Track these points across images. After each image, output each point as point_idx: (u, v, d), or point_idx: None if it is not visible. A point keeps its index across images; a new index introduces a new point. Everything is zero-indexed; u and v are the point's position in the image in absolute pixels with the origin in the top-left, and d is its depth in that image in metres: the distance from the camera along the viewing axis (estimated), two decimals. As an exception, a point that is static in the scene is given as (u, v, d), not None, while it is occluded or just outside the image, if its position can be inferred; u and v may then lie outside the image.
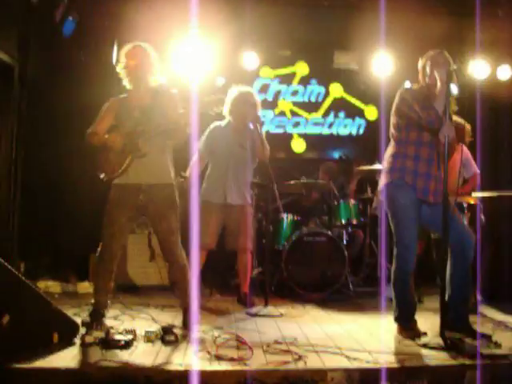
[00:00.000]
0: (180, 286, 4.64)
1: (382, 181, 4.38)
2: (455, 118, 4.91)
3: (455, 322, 4.05)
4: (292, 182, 6.80)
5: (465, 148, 5.95)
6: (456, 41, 6.68)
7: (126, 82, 4.58)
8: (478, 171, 6.08)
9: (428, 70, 4.24)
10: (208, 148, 5.69)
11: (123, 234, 4.51)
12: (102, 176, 4.47)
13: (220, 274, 6.41)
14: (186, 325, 4.43)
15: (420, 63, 4.34)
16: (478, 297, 5.83)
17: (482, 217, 5.88)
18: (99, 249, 4.48)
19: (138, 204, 4.46)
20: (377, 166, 6.35)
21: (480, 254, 5.48)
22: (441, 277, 4.06)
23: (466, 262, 4.14)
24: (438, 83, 4.08)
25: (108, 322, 4.46)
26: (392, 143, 4.40)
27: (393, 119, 4.36)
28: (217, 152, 5.69)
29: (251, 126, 5.78)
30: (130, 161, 4.44)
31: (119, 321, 4.59)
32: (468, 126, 5.70)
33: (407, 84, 7.15)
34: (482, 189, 6.12)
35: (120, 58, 4.57)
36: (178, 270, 4.60)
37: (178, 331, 4.08)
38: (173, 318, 4.77)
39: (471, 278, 4.22)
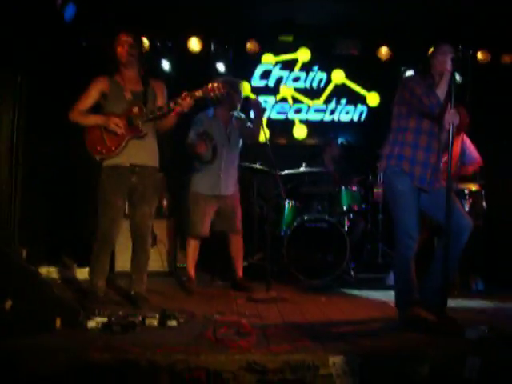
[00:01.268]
0: (140, 270, 4.71)
1: (381, 167, 4.41)
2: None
3: (434, 305, 4.04)
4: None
5: (465, 136, 5.97)
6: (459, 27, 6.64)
7: (119, 65, 4.65)
8: (480, 158, 6.07)
9: (433, 58, 4.23)
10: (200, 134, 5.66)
11: (120, 216, 4.58)
12: (97, 157, 4.49)
13: (220, 260, 6.41)
14: (138, 309, 4.42)
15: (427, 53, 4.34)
16: (480, 285, 5.88)
17: (484, 204, 5.88)
18: (98, 234, 4.51)
19: (129, 185, 4.53)
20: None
21: (481, 240, 5.52)
22: (444, 262, 4.04)
23: (458, 246, 4.10)
24: (443, 71, 4.07)
25: (109, 307, 4.46)
26: (392, 131, 4.39)
27: (395, 108, 4.36)
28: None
29: (237, 114, 5.83)
30: (128, 141, 4.47)
31: (120, 306, 4.60)
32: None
33: (412, 72, 7.14)
34: (485, 176, 6.12)
35: (118, 42, 4.59)
36: (144, 255, 4.71)
37: (179, 316, 4.09)
38: (174, 304, 4.79)
39: (458, 263, 4.23)
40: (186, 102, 4.48)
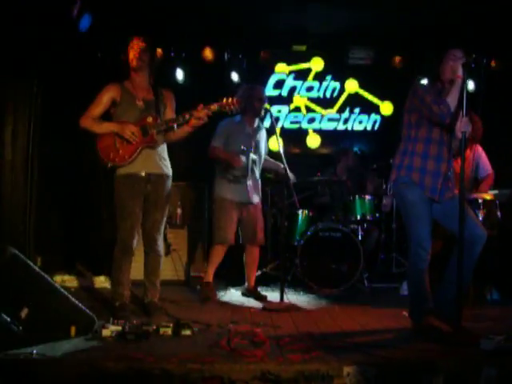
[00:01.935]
0: (152, 277, 4.73)
1: (391, 178, 4.36)
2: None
3: (448, 316, 4.01)
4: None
5: (479, 147, 5.95)
6: (474, 35, 6.63)
7: (130, 71, 4.68)
8: (492, 171, 6.05)
9: (445, 65, 4.20)
10: (225, 144, 5.69)
11: (139, 224, 4.59)
12: (109, 164, 4.51)
13: (235, 269, 6.42)
14: (152, 318, 4.43)
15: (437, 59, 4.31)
16: (494, 295, 5.83)
17: (499, 213, 5.84)
18: (120, 243, 4.52)
19: (144, 193, 4.55)
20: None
21: (495, 250, 5.48)
22: (458, 271, 4.01)
23: (472, 256, 4.05)
24: (454, 77, 4.05)
25: (139, 316, 4.53)
26: (402, 140, 4.36)
27: (405, 116, 4.32)
28: (236, 149, 5.67)
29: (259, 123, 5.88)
30: (141, 150, 4.50)
31: (135, 315, 4.60)
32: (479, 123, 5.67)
33: (423, 80, 7.13)
34: (499, 185, 6.09)
35: (131, 46, 4.62)
36: (155, 261, 4.72)
37: (193, 325, 4.09)
38: (188, 313, 4.79)
39: (472, 273, 4.16)
40: (201, 114, 4.51)
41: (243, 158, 5.59)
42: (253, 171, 5.77)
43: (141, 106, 4.61)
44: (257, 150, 5.80)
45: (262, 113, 5.82)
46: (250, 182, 5.71)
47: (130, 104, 4.60)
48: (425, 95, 4.12)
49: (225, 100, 4.56)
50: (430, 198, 4.18)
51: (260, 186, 5.91)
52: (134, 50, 4.61)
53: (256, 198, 5.79)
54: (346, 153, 7.55)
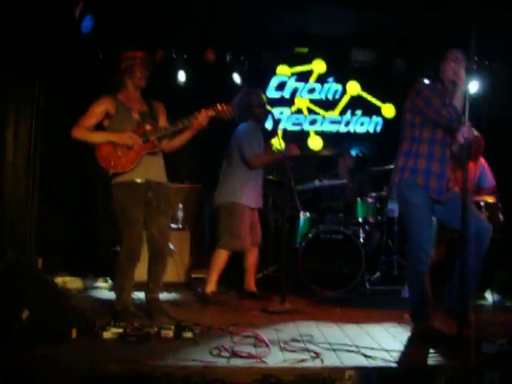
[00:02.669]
0: (156, 282, 4.70)
1: (394, 179, 4.31)
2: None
3: (457, 314, 3.98)
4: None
5: (482, 159, 5.95)
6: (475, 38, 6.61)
7: (128, 84, 4.65)
8: (495, 184, 6.05)
9: (446, 65, 4.17)
10: (259, 152, 5.67)
11: (143, 230, 4.57)
12: (111, 172, 4.50)
13: (236, 271, 6.40)
14: (153, 321, 4.42)
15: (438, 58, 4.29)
16: (495, 296, 5.81)
17: (501, 216, 5.84)
18: (125, 251, 4.50)
19: (146, 201, 4.54)
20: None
21: (498, 253, 5.46)
22: (460, 272, 3.99)
23: (480, 251, 4.04)
24: (456, 80, 4.04)
25: (142, 320, 4.50)
26: (404, 140, 4.31)
27: (407, 116, 4.27)
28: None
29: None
30: (142, 157, 4.49)
31: (136, 317, 4.59)
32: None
33: (425, 80, 7.11)
34: (501, 188, 6.09)
35: (136, 61, 4.59)
36: (161, 266, 4.71)
37: (194, 328, 4.09)
38: (190, 315, 4.79)
39: (480, 273, 4.15)
40: (199, 120, 4.51)
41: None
42: (263, 178, 5.84)
43: (137, 119, 4.58)
44: None
45: (264, 117, 5.80)
46: (261, 189, 5.78)
47: (126, 117, 4.55)
48: (432, 97, 4.08)
49: (219, 106, 4.56)
50: (434, 199, 4.15)
51: None
52: (142, 67, 4.59)
53: (261, 203, 5.86)
54: (342, 154, 7.55)
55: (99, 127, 4.61)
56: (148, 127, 4.52)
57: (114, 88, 4.69)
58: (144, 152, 4.51)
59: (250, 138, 5.63)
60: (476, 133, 5.15)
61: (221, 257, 5.56)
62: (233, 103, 4.87)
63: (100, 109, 4.57)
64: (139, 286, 4.91)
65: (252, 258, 5.80)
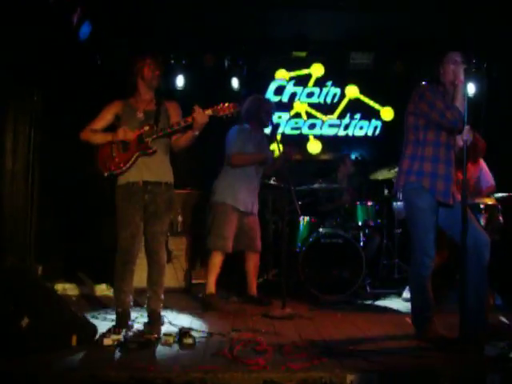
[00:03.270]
0: (155, 288, 4.65)
1: (399, 183, 4.30)
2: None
3: (473, 325, 3.97)
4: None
5: (482, 161, 5.95)
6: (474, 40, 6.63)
7: (140, 86, 4.67)
8: (493, 183, 6.04)
9: (445, 68, 4.16)
10: (243, 151, 5.70)
11: (140, 232, 4.55)
12: (105, 174, 4.50)
13: (236, 276, 6.39)
14: (154, 327, 4.40)
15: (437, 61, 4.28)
16: (497, 300, 5.80)
17: (501, 218, 5.83)
18: (120, 252, 4.49)
19: (143, 202, 4.53)
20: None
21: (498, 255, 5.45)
22: (460, 280, 3.99)
23: (481, 264, 4.01)
24: (456, 82, 4.04)
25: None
26: (408, 143, 4.29)
27: (410, 119, 4.26)
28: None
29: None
30: (137, 158, 4.49)
31: (137, 323, 4.59)
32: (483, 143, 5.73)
33: (424, 82, 7.12)
34: (501, 190, 6.08)
35: (147, 65, 4.61)
36: (158, 271, 4.65)
37: (195, 334, 4.08)
38: (190, 321, 4.78)
39: (487, 280, 4.12)
40: (195, 118, 4.49)
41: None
42: (258, 181, 5.83)
43: (140, 118, 4.59)
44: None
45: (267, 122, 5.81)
46: (254, 192, 5.75)
47: (130, 116, 4.59)
48: (435, 100, 4.07)
49: (221, 105, 4.54)
50: (441, 202, 4.13)
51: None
52: (153, 68, 4.62)
53: (255, 208, 5.82)
54: (343, 160, 7.56)
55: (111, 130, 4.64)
56: (146, 128, 4.52)
57: (129, 92, 4.72)
58: (138, 153, 4.51)
59: (237, 137, 5.68)
60: (476, 135, 5.16)
61: (214, 258, 5.59)
62: (241, 108, 4.91)
63: (109, 112, 4.63)
64: (141, 292, 4.91)
65: (250, 263, 5.80)
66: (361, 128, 8.41)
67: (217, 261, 5.58)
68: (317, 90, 8.40)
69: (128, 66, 4.71)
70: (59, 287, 5.98)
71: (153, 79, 4.64)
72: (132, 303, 4.56)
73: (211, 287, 5.59)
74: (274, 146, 7.01)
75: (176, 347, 3.88)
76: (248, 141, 5.70)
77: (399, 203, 6.93)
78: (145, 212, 4.57)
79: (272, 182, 6.38)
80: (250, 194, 5.71)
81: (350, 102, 8.41)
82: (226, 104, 4.55)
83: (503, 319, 4.53)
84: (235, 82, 7.90)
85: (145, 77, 4.62)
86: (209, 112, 4.52)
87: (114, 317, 4.52)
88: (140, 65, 4.62)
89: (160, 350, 3.80)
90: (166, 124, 4.60)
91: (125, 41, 6.89)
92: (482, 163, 6.05)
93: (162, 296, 4.66)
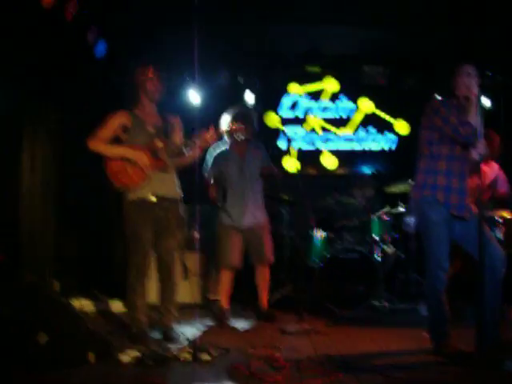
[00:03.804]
0: (167, 304, 4.68)
1: (413, 197, 4.32)
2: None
3: (488, 340, 3.93)
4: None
5: (495, 165, 5.91)
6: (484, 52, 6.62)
7: (142, 98, 4.71)
8: (508, 190, 6.01)
9: (459, 81, 4.16)
10: (217, 175, 5.73)
11: (151, 248, 4.58)
12: (120, 189, 4.53)
13: (253, 292, 6.38)
14: (169, 343, 4.43)
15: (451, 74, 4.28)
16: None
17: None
18: (133, 269, 4.51)
19: (155, 218, 4.55)
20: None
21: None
22: (477, 295, 3.95)
23: (495, 278, 3.99)
24: (469, 95, 4.03)
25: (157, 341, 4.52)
26: (422, 158, 4.31)
27: (424, 133, 4.27)
28: (230, 179, 5.72)
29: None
30: (152, 174, 4.52)
31: (153, 339, 4.59)
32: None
33: (437, 96, 7.11)
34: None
35: (148, 77, 4.65)
36: (170, 289, 4.69)
37: (212, 350, 4.07)
38: (207, 337, 4.77)
39: (501, 294, 4.08)
40: (208, 141, 4.57)
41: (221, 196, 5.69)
42: (249, 195, 5.73)
43: (151, 132, 4.63)
44: (251, 173, 5.77)
45: (241, 136, 5.67)
46: (246, 207, 5.69)
47: (141, 129, 4.63)
48: (449, 116, 4.07)
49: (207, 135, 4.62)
50: (455, 216, 4.12)
51: (263, 207, 5.86)
52: (154, 80, 4.67)
53: (256, 220, 5.74)
54: (359, 180, 7.54)
55: (116, 142, 4.67)
56: (159, 144, 4.55)
57: (131, 103, 4.76)
58: (154, 170, 4.54)
59: (212, 161, 5.76)
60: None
61: (222, 275, 5.68)
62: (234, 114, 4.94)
63: (116, 122, 4.66)
64: (153, 308, 4.91)
65: (259, 276, 5.79)
66: (376, 142, 8.39)
67: (224, 277, 5.66)
68: (331, 104, 8.40)
69: (131, 79, 4.77)
70: (76, 303, 5.98)
71: (155, 92, 4.68)
72: (147, 318, 4.57)
73: (224, 302, 5.65)
74: (287, 160, 7.01)
75: (193, 363, 3.87)
76: (230, 165, 5.73)
77: (408, 217, 6.90)
78: (156, 227, 4.59)
79: (287, 197, 6.37)
80: (246, 210, 5.68)
81: (365, 116, 8.39)
82: (210, 135, 4.62)
83: None
84: (249, 97, 7.90)
85: (147, 90, 4.66)
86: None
87: (129, 333, 4.53)
88: (142, 78, 4.67)
89: (177, 366, 3.80)
90: (173, 140, 4.65)
91: (139, 58, 6.93)
92: (497, 168, 5.98)
93: (176, 312, 4.66)
